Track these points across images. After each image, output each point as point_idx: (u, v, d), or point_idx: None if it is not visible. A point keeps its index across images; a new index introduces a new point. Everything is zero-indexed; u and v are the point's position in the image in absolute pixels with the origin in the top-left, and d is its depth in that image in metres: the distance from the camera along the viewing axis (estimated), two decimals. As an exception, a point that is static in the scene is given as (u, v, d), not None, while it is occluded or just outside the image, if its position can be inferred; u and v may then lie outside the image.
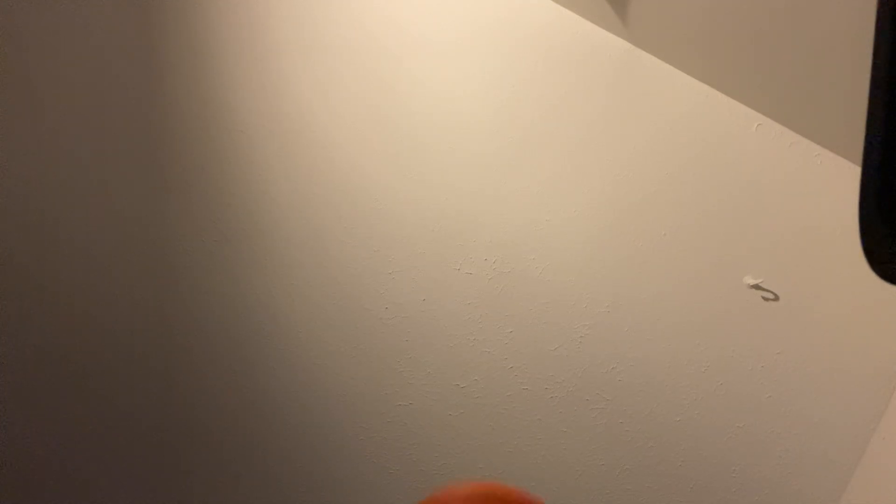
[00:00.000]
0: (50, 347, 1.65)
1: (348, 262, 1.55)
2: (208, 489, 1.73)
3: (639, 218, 1.45)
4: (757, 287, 1.43)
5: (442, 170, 1.48)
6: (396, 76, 1.45)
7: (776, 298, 1.43)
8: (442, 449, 1.62)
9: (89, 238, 1.59)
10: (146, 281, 1.61)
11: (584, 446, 1.57)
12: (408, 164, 1.48)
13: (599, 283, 1.49)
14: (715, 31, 1.33)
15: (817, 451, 1.49)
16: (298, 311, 1.59)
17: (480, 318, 1.54)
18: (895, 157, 0.36)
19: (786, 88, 1.32)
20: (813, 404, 1.47)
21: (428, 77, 1.44)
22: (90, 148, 1.54)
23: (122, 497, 1.75)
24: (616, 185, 1.44)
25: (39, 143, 1.54)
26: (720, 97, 1.36)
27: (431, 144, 1.47)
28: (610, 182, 1.44)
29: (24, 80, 1.50)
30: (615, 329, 1.51)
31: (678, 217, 1.44)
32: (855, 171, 1.12)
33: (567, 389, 1.55)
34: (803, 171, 1.36)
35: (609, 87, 1.40)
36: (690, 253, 1.45)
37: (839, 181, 1.35)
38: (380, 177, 1.50)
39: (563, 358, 1.53)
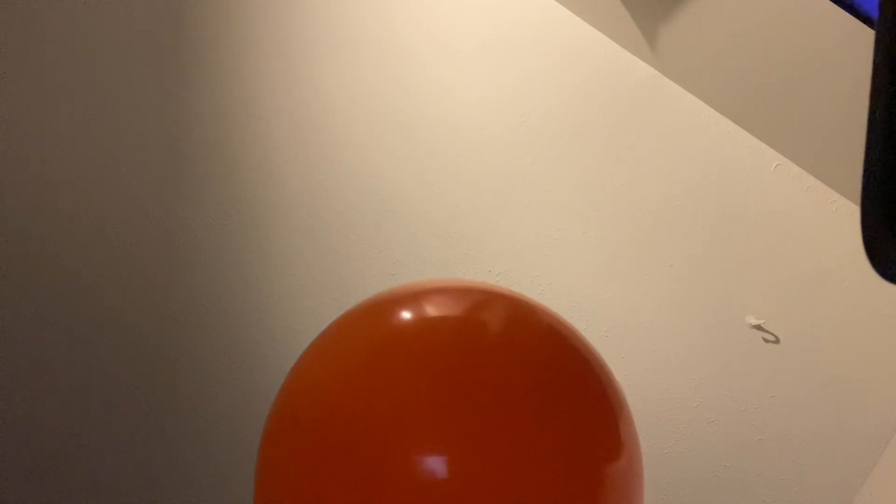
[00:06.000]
0: (53, 319, 1.65)
1: (352, 260, 1.54)
2: (196, 476, 1.73)
3: (647, 246, 1.44)
4: (758, 328, 1.42)
5: (455, 177, 1.48)
6: (420, 80, 1.45)
7: (777, 341, 1.42)
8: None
9: (97, 211, 1.58)
10: (149, 254, 1.61)
11: (567, 469, 1.56)
12: (421, 169, 1.48)
13: (600, 307, 1.48)
14: (742, 68, 1.32)
15: (801, 500, 1.47)
16: (296, 302, 1.58)
17: (478, 328, 1.53)
18: None
19: (808, 132, 1.31)
20: (802, 452, 1.45)
21: (451, 84, 1.44)
22: (107, 126, 1.54)
23: (118, 477, 1.75)
24: (628, 210, 1.43)
25: (59, 121, 1.54)
26: (742, 133, 1.36)
27: (447, 151, 1.47)
28: (622, 207, 1.43)
29: (51, 55, 1.51)
30: (611, 354, 1.49)
31: (687, 249, 1.43)
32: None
33: (557, 410, 1.53)
34: (818, 216, 1.35)
35: (632, 111, 1.40)
36: (695, 286, 1.44)
37: (853, 230, 1.34)
38: (392, 177, 1.50)
39: (557, 378, 1.52)
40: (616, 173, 1.42)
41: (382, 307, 0.62)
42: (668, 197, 1.41)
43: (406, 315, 0.60)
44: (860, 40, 1.22)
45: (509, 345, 0.58)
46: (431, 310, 0.60)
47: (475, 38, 1.42)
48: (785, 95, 1.31)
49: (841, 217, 1.34)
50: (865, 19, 1.21)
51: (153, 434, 1.72)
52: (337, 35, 1.46)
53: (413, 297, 0.62)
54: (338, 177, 1.52)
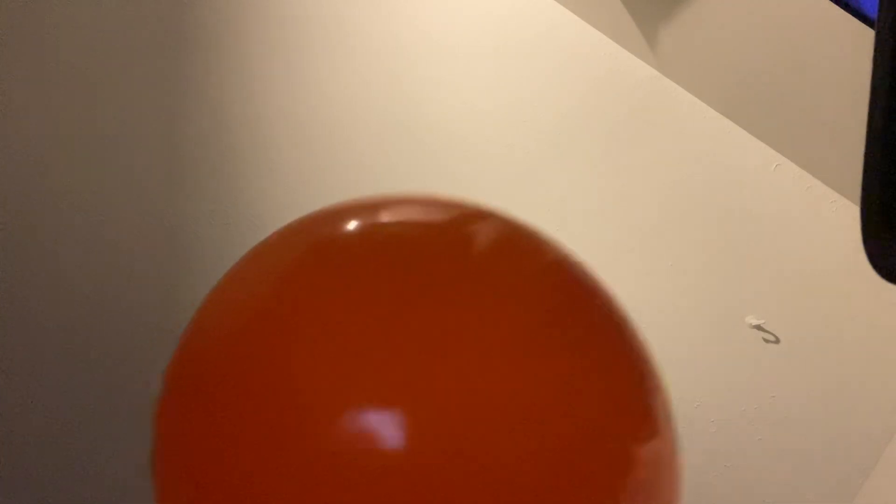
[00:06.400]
0: (51, 319, 1.65)
1: (352, 259, 1.54)
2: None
3: (647, 245, 1.44)
4: (759, 328, 1.42)
5: (455, 178, 1.48)
6: (420, 81, 1.45)
7: (777, 341, 1.42)
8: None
9: (96, 211, 1.58)
10: (149, 254, 1.61)
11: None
12: (421, 169, 1.48)
13: (601, 307, 1.48)
14: (742, 67, 1.32)
15: (801, 501, 1.47)
16: (296, 303, 1.58)
17: (478, 328, 1.53)
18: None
19: (808, 132, 1.31)
20: (802, 452, 1.45)
21: (450, 85, 1.44)
22: (106, 125, 1.54)
23: (116, 480, 1.75)
24: (627, 209, 1.43)
25: (58, 121, 1.54)
26: (742, 133, 1.36)
27: (447, 152, 1.47)
28: (622, 205, 1.43)
29: (53, 55, 1.51)
30: (611, 355, 1.49)
31: (686, 248, 1.43)
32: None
33: (557, 410, 1.53)
34: (818, 216, 1.35)
35: (631, 111, 1.40)
36: (695, 286, 1.44)
37: (853, 230, 1.34)
38: (392, 178, 1.50)
39: (557, 378, 1.52)
40: (615, 173, 1.42)
41: (319, 221, 0.47)
42: (668, 197, 1.41)
43: (349, 227, 0.44)
44: (860, 40, 1.22)
45: (498, 272, 0.41)
46: (389, 222, 0.44)
47: (474, 38, 1.42)
48: (785, 95, 1.31)
49: (841, 217, 1.34)
50: (865, 19, 1.21)
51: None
52: (337, 36, 1.46)
53: (363, 208, 0.46)
54: (338, 177, 1.51)
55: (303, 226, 0.47)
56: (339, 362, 0.36)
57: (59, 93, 1.53)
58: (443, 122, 1.46)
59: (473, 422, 0.35)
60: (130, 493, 1.75)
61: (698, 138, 1.38)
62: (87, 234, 1.60)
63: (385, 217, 0.44)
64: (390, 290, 0.38)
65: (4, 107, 1.52)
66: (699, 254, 1.42)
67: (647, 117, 1.39)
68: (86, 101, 1.53)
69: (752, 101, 1.33)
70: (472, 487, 0.34)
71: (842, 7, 1.21)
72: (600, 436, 0.38)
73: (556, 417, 0.36)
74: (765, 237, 1.39)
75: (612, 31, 1.36)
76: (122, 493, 1.76)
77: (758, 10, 1.28)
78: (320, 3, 1.45)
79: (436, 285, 0.38)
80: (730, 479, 1.49)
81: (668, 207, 1.42)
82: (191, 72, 1.51)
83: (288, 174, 1.53)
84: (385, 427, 0.34)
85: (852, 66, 1.23)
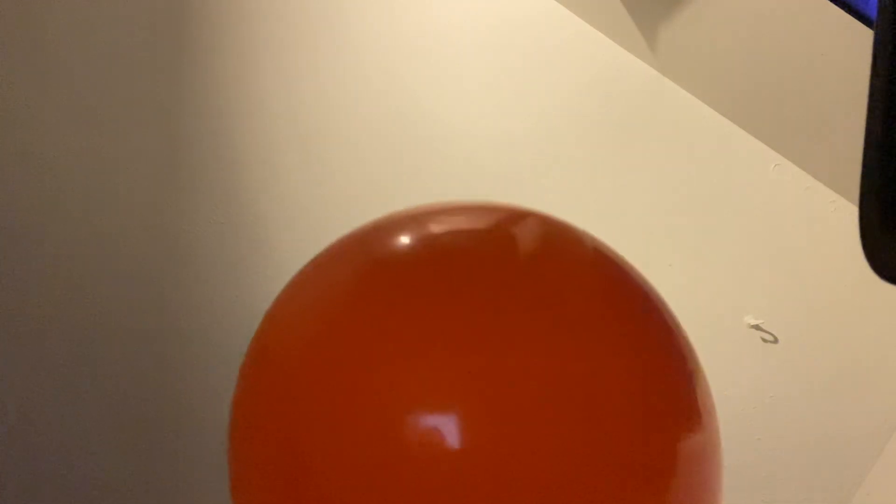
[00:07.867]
0: (48, 321, 1.64)
1: (351, 258, 1.54)
2: (196, 476, 1.72)
3: (646, 245, 1.44)
4: (757, 328, 1.42)
5: (454, 179, 1.48)
6: (419, 80, 1.45)
7: (775, 341, 1.42)
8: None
9: (95, 211, 1.58)
10: (147, 253, 1.61)
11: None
12: (420, 169, 1.48)
13: (600, 307, 1.48)
14: (742, 68, 1.32)
15: (799, 500, 1.47)
16: (296, 301, 1.58)
17: (477, 328, 1.53)
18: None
19: (808, 132, 1.31)
20: (800, 452, 1.45)
21: (449, 84, 1.44)
22: (104, 124, 1.54)
23: (110, 480, 1.74)
24: (627, 209, 1.43)
25: (56, 119, 1.54)
26: (741, 133, 1.36)
27: (447, 152, 1.47)
28: (622, 206, 1.43)
29: (50, 46, 1.51)
30: (610, 354, 1.49)
31: (685, 249, 1.43)
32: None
33: (556, 409, 1.53)
34: (817, 216, 1.35)
35: (631, 111, 1.40)
36: (694, 286, 1.44)
37: (852, 230, 1.34)
38: (391, 178, 1.49)
39: (556, 377, 1.52)
40: (614, 173, 1.42)
41: (379, 231, 0.51)
42: (666, 197, 1.41)
43: (408, 236, 0.47)
44: (860, 40, 1.22)
45: (550, 274, 0.45)
46: (446, 230, 0.48)
47: (473, 38, 1.42)
48: (785, 95, 1.31)
49: (840, 217, 1.34)
50: (865, 19, 1.21)
51: (149, 438, 1.72)
52: (337, 34, 1.46)
53: (417, 218, 0.50)
54: (335, 177, 1.51)
55: (360, 237, 0.51)
56: (404, 368, 0.39)
57: (58, 92, 1.53)
58: (442, 121, 1.46)
59: (531, 421, 0.38)
60: (130, 495, 1.75)
61: (698, 138, 1.38)
62: (85, 234, 1.60)
63: (438, 226, 0.48)
64: (450, 299, 0.41)
65: (3, 107, 1.52)
66: (698, 253, 1.42)
67: (647, 117, 1.39)
68: (84, 100, 1.53)
69: (752, 100, 1.33)
70: (528, 484, 0.37)
71: (842, 7, 1.21)
72: (651, 431, 0.41)
73: (609, 414, 0.40)
74: (763, 237, 1.39)
75: (612, 31, 1.36)
76: (121, 495, 1.76)
77: (757, 10, 1.29)
78: (321, 2, 1.45)
79: (491, 291, 0.42)
80: (728, 479, 1.49)
81: (666, 207, 1.42)
82: (190, 69, 1.51)
83: (286, 173, 1.53)
84: (448, 429, 0.37)
85: (852, 66, 1.23)
